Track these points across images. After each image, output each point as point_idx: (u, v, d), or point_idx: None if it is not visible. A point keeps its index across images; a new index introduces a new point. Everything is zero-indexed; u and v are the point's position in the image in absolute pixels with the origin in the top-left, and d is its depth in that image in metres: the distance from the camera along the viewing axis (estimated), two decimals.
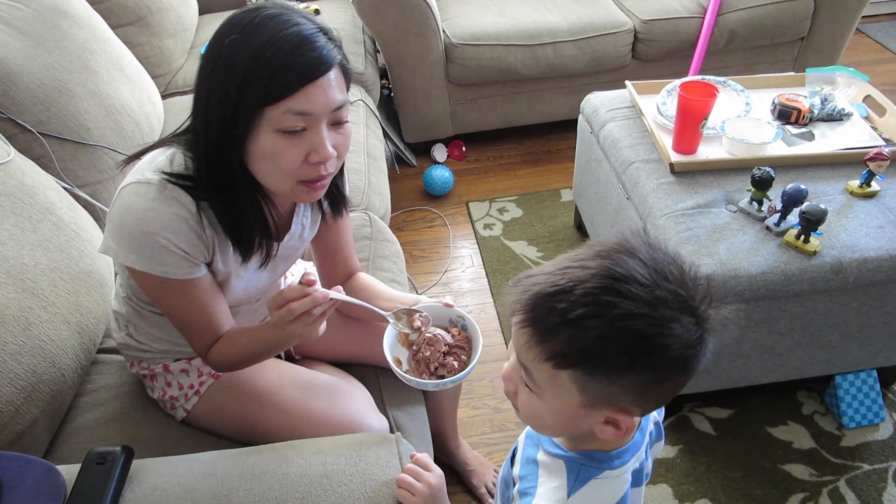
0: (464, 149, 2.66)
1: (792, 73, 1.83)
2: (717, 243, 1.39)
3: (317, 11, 2.54)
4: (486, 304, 2.03)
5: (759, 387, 1.62)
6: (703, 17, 2.41)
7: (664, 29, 2.41)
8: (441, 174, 2.41)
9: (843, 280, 1.36)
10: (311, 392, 1.10)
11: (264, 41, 0.81)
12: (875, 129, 1.66)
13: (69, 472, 0.80)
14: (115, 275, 1.28)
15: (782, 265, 1.35)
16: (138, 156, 0.97)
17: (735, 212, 1.47)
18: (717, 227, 1.43)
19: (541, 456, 0.75)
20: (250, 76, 0.82)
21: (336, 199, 1.11)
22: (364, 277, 1.24)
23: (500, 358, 1.86)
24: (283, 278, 1.24)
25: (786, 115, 1.68)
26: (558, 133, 2.69)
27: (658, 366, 0.61)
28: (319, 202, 1.11)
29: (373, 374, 1.23)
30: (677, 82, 1.68)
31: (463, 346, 1.02)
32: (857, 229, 1.41)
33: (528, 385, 0.66)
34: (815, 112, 1.67)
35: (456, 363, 0.99)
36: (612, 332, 0.59)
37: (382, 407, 1.17)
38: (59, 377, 1.08)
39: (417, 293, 2.06)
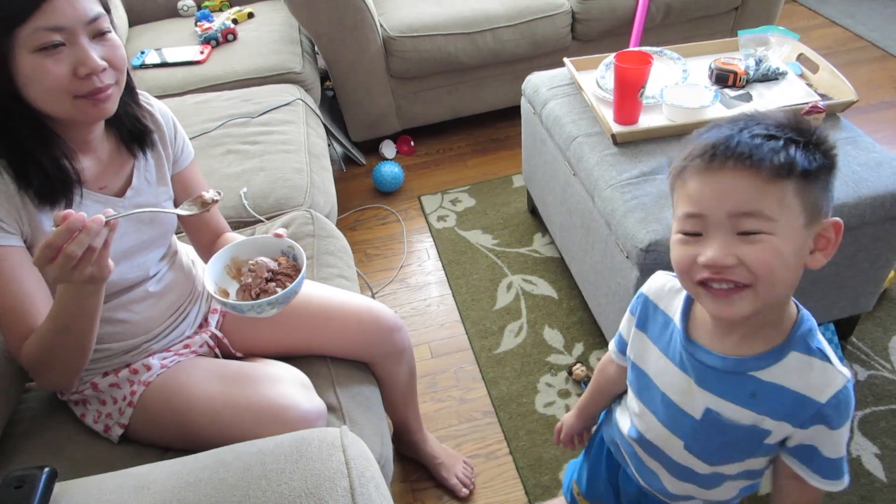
0: (412, 143, 2.62)
1: (727, 39, 1.83)
2: (664, 209, 1.38)
3: (251, 15, 2.48)
4: (444, 296, 1.99)
5: None
6: None
7: (600, 8, 2.41)
8: (390, 170, 2.37)
9: None
10: (233, 382, 1.06)
11: None
12: (810, 85, 1.67)
13: None
14: None
15: None
16: None
17: None
18: (662, 193, 1.42)
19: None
20: None
21: (139, 133, 1.04)
22: (233, 236, 1.20)
23: (460, 348, 1.82)
24: (168, 255, 1.14)
25: (723, 78, 1.68)
26: (505, 120, 2.67)
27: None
28: (140, 147, 1.04)
29: (324, 365, 1.19)
30: (614, 55, 1.67)
31: (290, 273, 1.01)
32: None
33: (761, 231, 0.67)
34: (751, 73, 1.67)
35: (279, 289, 0.98)
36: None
37: (336, 398, 1.13)
38: None
39: (372, 291, 2.02)
